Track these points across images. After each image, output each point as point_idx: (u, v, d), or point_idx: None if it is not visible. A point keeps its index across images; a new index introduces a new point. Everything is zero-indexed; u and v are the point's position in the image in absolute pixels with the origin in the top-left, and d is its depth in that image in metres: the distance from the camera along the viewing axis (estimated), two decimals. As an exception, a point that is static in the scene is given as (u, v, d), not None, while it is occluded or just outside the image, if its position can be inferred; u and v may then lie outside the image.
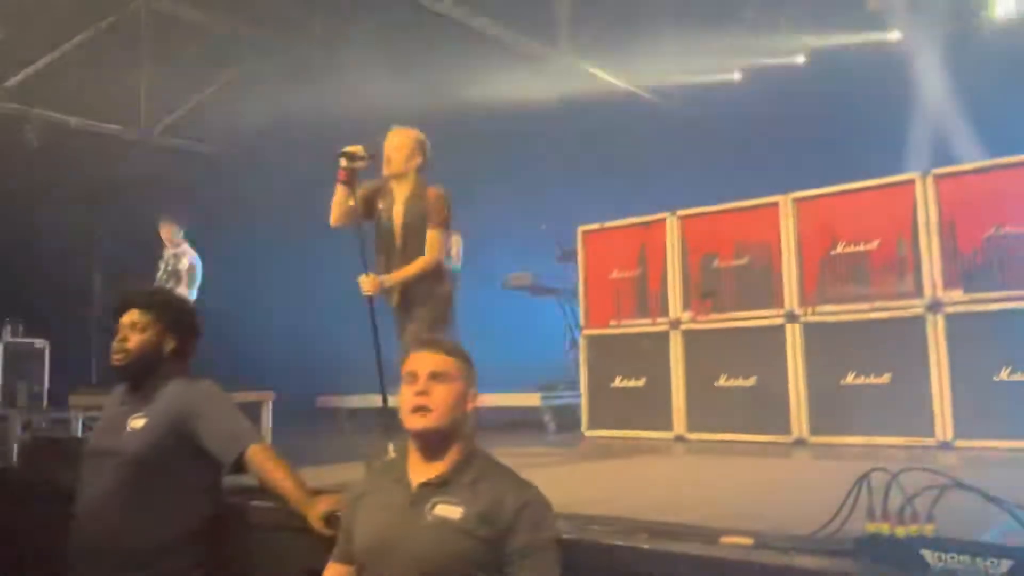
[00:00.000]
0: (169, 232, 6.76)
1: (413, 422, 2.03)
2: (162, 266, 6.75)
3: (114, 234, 6.80)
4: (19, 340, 7.30)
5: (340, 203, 3.81)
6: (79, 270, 7.94)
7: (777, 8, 7.76)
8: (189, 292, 6.47)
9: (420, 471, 2.05)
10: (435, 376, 2.05)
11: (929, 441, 4.37)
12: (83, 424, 5.81)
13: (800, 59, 8.29)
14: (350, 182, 3.78)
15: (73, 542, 2.56)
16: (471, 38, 7.50)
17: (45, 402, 6.91)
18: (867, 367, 4.64)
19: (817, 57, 8.13)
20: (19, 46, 7.40)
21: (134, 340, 2.73)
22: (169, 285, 6.50)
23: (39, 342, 7.36)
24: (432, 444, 2.06)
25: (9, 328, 7.29)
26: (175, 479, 2.61)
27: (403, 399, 2.07)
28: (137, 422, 2.63)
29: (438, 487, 2.01)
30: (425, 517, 1.97)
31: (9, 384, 7.02)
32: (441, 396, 2.03)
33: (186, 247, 6.75)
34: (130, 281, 6.27)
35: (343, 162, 3.76)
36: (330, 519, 2.36)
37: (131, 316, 2.76)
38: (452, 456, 2.05)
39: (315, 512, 2.42)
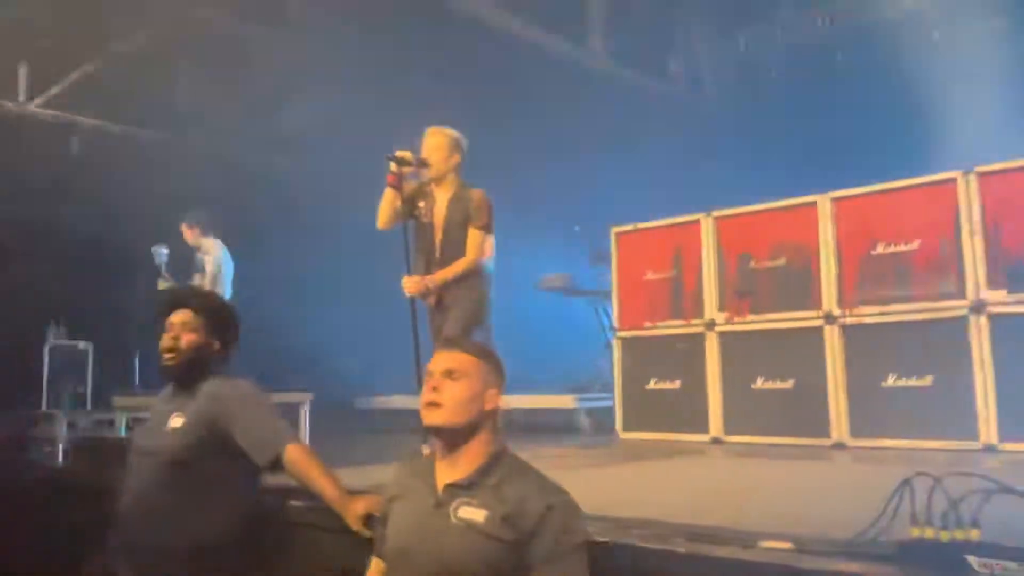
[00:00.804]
0: (190, 234, 6.70)
1: (425, 417, 2.07)
2: (164, 254, 6.68)
3: (157, 238, 6.92)
4: (64, 342, 7.47)
5: (388, 206, 3.87)
6: (122, 273, 8.11)
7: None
8: (223, 290, 6.42)
9: (446, 472, 2.06)
10: (448, 373, 2.07)
11: (973, 444, 4.27)
12: (126, 424, 5.93)
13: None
14: (398, 186, 3.83)
15: (116, 541, 2.61)
16: (504, 38, 7.50)
17: (89, 403, 7.06)
18: (908, 369, 4.55)
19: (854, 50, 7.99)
20: (65, 54, 7.58)
21: (186, 339, 2.76)
22: (200, 284, 6.54)
23: (83, 344, 7.53)
24: (450, 442, 2.07)
25: (54, 330, 7.47)
26: (213, 478, 2.64)
27: (422, 397, 2.10)
28: (176, 421, 2.68)
29: (463, 489, 2.01)
30: (450, 519, 1.97)
31: (54, 385, 7.20)
32: (452, 393, 2.05)
33: (211, 246, 6.66)
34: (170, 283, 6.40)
35: (392, 166, 3.81)
36: (368, 518, 2.38)
37: (182, 316, 2.79)
38: (477, 457, 2.05)
39: (353, 512, 2.44)
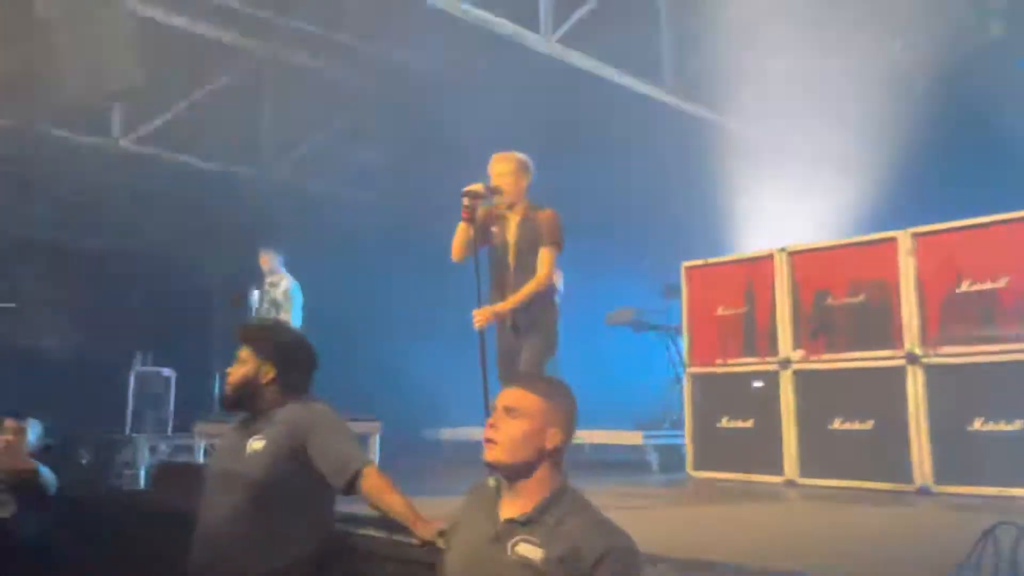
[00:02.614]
0: (268, 261, 6.92)
1: (485, 453, 2.09)
2: (257, 295, 6.96)
3: (235, 270, 7.20)
4: (148, 368, 7.79)
5: (462, 239, 3.94)
6: (204, 303, 8.42)
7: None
8: (291, 318, 6.62)
9: (508, 506, 2.07)
10: (508, 411, 2.09)
11: (1067, 493, 4.03)
12: (205, 451, 6.11)
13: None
14: (471, 219, 3.90)
15: (192, 564, 2.68)
16: (567, 73, 7.57)
17: (170, 429, 7.31)
18: (997, 413, 4.33)
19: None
20: (153, 94, 7.99)
21: (234, 374, 2.91)
22: (271, 314, 6.72)
23: (166, 371, 7.82)
24: (509, 477, 2.08)
25: (140, 357, 7.79)
26: (292, 503, 2.70)
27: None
28: (257, 444, 2.75)
29: (522, 525, 2.00)
30: (507, 554, 1.96)
31: (138, 411, 7.49)
32: (508, 431, 2.06)
33: (283, 274, 6.89)
34: (242, 315, 6.61)
35: (465, 201, 3.88)
36: (443, 532, 2.41)
37: (240, 351, 2.95)
38: (537, 494, 2.05)
39: (428, 527, 2.47)
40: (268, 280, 6.94)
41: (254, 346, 2.94)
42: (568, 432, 2.12)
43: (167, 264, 8.72)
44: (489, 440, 2.07)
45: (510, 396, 2.12)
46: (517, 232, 3.96)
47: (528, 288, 3.86)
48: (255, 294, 6.82)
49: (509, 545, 1.97)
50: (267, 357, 2.93)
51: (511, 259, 3.96)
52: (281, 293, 6.80)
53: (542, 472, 2.06)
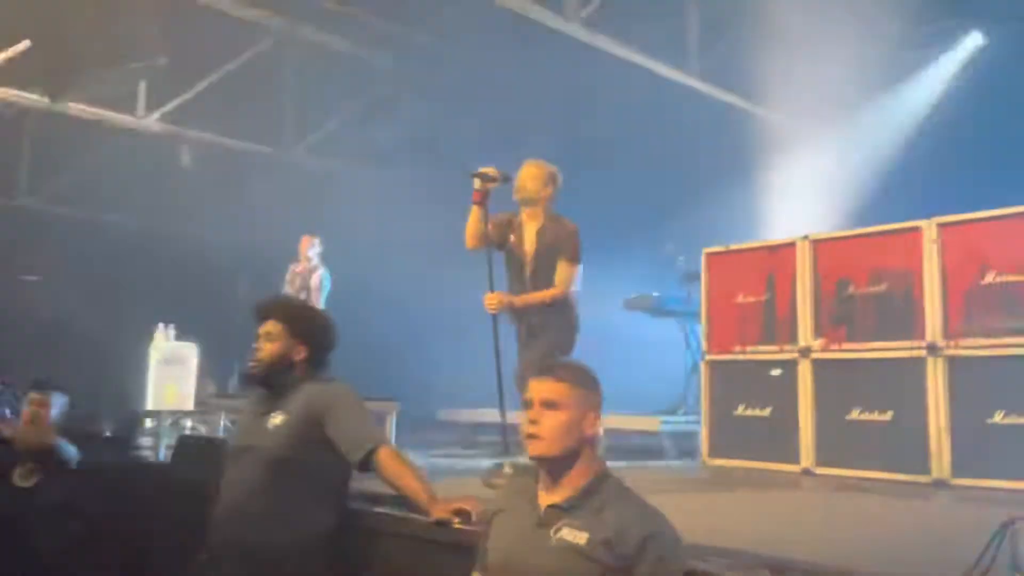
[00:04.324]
0: (307, 246, 7.16)
1: (528, 448, 2.09)
2: (288, 278, 7.15)
3: (258, 246, 7.28)
4: (171, 343, 7.86)
5: (475, 224, 3.94)
6: (226, 278, 8.49)
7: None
8: (320, 303, 6.84)
9: (549, 493, 2.08)
10: (546, 404, 2.09)
11: (1088, 489, 3.99)
12: (225, 426, 6.18)
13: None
14: (483, 203, 3.89)
15: (212, 538, 2.72)
16: (596, 57, 7.52)
17: (192, 403, 7.39)
18: (1019, 406, 4.28)
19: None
20: (177, 73, 8.03)
21: (266, 349, 2.90)
22: (302, 297, 6.89)
23: (188, 345, 7.90)
24: (552, 469, 2.09)
25: (162, 331, 7.86)
26: (310, 478, 2.74)
27: (522, 424, 2.13)
28: (277, 419, 2.80)
29: (565, 510, 2.02)
30: (551, 540, 1.98)
31: (160, 384, 7.57)
32: (550, 424, 2.06)
33: (318, 263, 7.15)
34: (271, 291, 6.69)
35: (476, 183, 3.88)
36: (457, 512, 2.46)
37: (268, 326, 2.94)
38: (580, 479, 2.06)
39: (443, 508, 2.51)
40: (303, 266, 7.14)
41: (288, 324, 2.94)
42: (600, 417, 2.14)
43: (190, 239, 8.79)
44: (532, 436, 2.07)
45: (545, 388, 2.11)
46: (535, 241, 3.97)
47: (543, 294, 3.88)
48: (289, 271, 6.99)
49: (552, 531, 1.99)
50: (300, 335, 2.95)
51: (528, 268, 3.97)
52: (315, 283, 7.04)
53: (584, 459, 2.09)
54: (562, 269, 3.90)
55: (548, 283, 3.91)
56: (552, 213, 4.02)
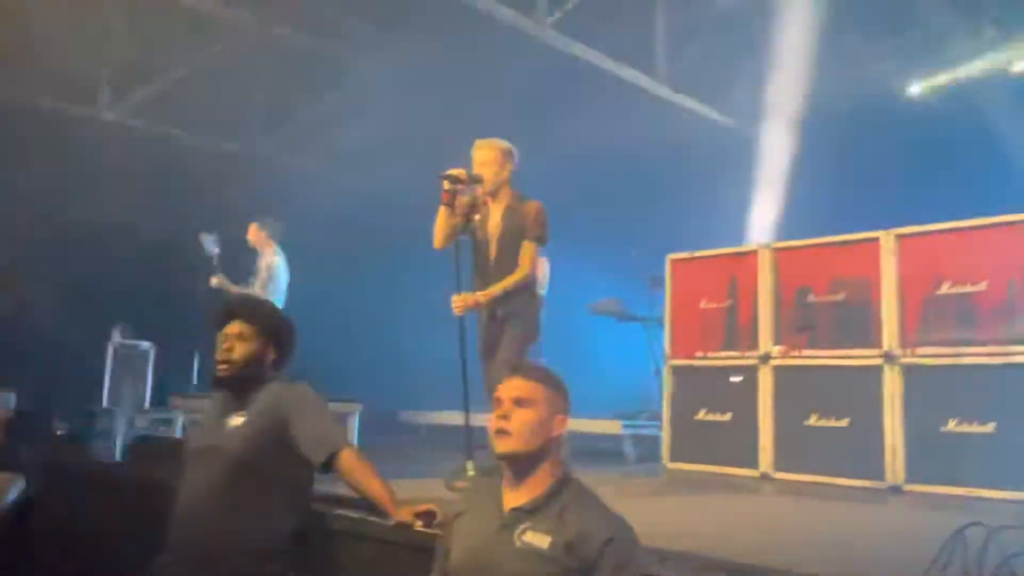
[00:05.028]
0: (257, 236, 6.72)
1: (496, 445, 2.09)
2: (211, 240, 6.71)
3: (222, 244, 7.11)
4: (127, 342, 7.72)
5: (443, 225, 3.90)
6: (185, 277, 8.34)
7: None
8: (267, 293, 6.38)
9: (512, 495, 2.09)
10: (517, 401, 2.09)
11: (1037, 496, 4.10)
12: (183, 425, 6.08)
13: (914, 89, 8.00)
14: (452, 204, 3.87)
15: (171, 540, 2.66)
16: (563, 62, 7.55)
17: (148, 402, 7.26)
18: (971, 414, 4.39)
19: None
20: (145, 65, 7.89)
21: (239, 351, 2.81)
22: (251, 283, 6.54)
23: (145, 344, 7.76)
24: (518, 468, 2.09)
25: (119, 330, 7.72)
26: (271, 480, 2.69)
27: (490, 423, 2.13)
28: (238, 420, 2.74)
29: (528, 513, 2.03)
30: (514, 543, 1.99)
31: (115, 384, 7.43)
32: (520, 421, 2.06)
33: (271, 252, 6.68)
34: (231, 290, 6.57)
35: (445, 185, 3.85)
36: (420, 515, 2.46)
37: (237, 327, 2.84)
38: (544, 482, 2.07)
39: (404, 511, 2.50)
40: (260, 257, 6.71)
41: (257, 323, 2.87)
42: (567, 419, 2.15)
43: (148, 238, 8.63)
44: (502, 432, 2.07)
45: (517, 387, 2.11)
46: (500, 222, 3.93)
47: (509, 280, 3.84)
48: (210, 241, 6.63)
49: (516, 533, 2.00)
50: (269, 336, 2.89)
51: (493, 249, 3.93)
52: (267, 269, 6.59)
53: (549, 461, 2.09)
54: (527, 249, 3.87)
55: (513, 266, 3.87)
56: (516, 192, 3.98)
